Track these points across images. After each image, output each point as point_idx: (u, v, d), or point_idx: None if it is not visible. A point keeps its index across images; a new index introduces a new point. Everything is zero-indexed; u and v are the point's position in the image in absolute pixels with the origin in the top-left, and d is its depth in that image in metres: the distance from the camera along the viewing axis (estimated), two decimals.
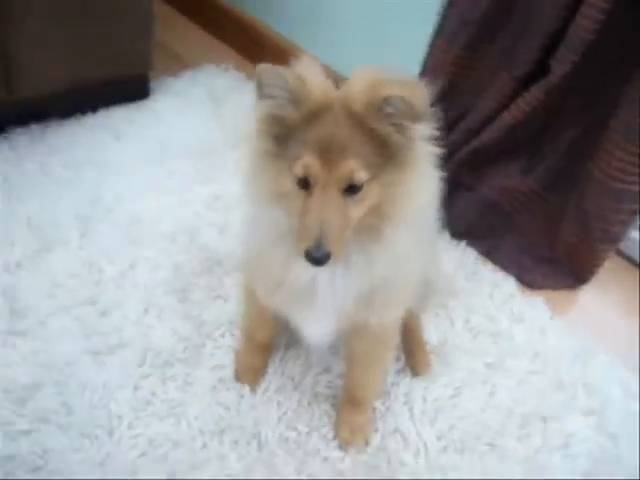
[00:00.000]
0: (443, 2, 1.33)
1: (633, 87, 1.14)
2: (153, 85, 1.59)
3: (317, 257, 0.66)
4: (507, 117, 1.29)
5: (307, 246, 0.66)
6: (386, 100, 0.63)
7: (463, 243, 1.37)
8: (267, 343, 1.03)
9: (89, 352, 1.02)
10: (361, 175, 0.66)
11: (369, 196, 0.68)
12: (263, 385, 1.02)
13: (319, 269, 0.72)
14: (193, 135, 1.47)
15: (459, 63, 1.34)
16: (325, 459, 0.94)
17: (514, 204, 1.40)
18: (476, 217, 1.41)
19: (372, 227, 0.71)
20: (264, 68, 0.65)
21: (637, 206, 1.24)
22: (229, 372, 1.03)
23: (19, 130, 1.41)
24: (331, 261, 0.67)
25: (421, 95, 0.63)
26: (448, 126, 1.41)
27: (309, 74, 0.67)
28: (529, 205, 1.39)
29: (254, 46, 1.73)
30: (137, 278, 1.14)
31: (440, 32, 1.35)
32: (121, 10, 1.34)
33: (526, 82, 1.25)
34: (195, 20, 1.89)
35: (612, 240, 1.30)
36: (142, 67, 1.49)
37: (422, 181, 0.71)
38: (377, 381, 0.98)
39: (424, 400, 1.04)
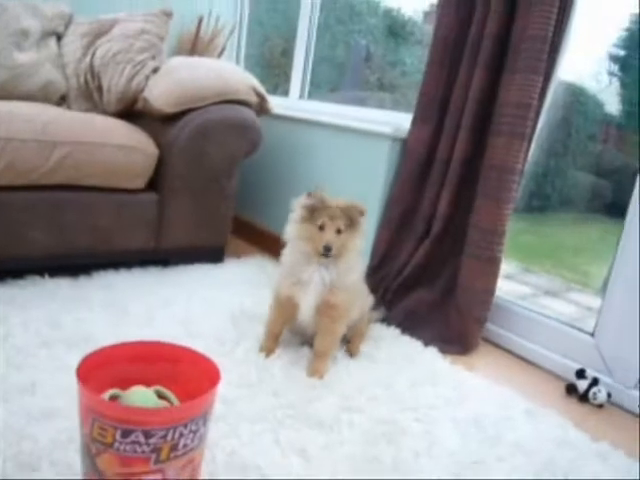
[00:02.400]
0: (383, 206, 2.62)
1: (468, 242, 2.29)
2: (226, 258, 2.83)
3: (328, 248, 1.70)
4: (414, 261, 2.42)
5: (324, 246, 1.71)
6: (354, 207, 1.79)
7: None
8: (278, 335, 1.95)
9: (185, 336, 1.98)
10: (342, 227, 1.76)
11: (343, 237, 1.77)
12: (273, 355, 1.92)
13: (316, 269, 1.78)
14: (245, 277, 2.62)
15: (389, 241, 2.54)
16: (297, 376, 1.80)
17: (426, 309, 2.39)
18: (404, 318, 2.38)
19: (340, 253, 1.77)
20: (313, 192, 1.80)
21: (485, 297, 2.25)
22: (256, 348, 1.94)
23: (152, 267, 2.59)
24: (331, 254, 1.72)
25: (363, 208, 1.81)
26: (385, 274, 2.55)
27: (325, 195, 1.81)
28: (434, 309, 2.38)
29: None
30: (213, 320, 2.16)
31: (381, 224, 2.60)
32: (217, 215, 2.67)
33: (421, 240, 2.43)
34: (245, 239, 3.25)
35: (478, 321, 2.25)
36: (222, 243, 2.75)
37: (360, 238, 1.82)
38: (331, 344, 1.87)
39: (349, 365, 1.91)
